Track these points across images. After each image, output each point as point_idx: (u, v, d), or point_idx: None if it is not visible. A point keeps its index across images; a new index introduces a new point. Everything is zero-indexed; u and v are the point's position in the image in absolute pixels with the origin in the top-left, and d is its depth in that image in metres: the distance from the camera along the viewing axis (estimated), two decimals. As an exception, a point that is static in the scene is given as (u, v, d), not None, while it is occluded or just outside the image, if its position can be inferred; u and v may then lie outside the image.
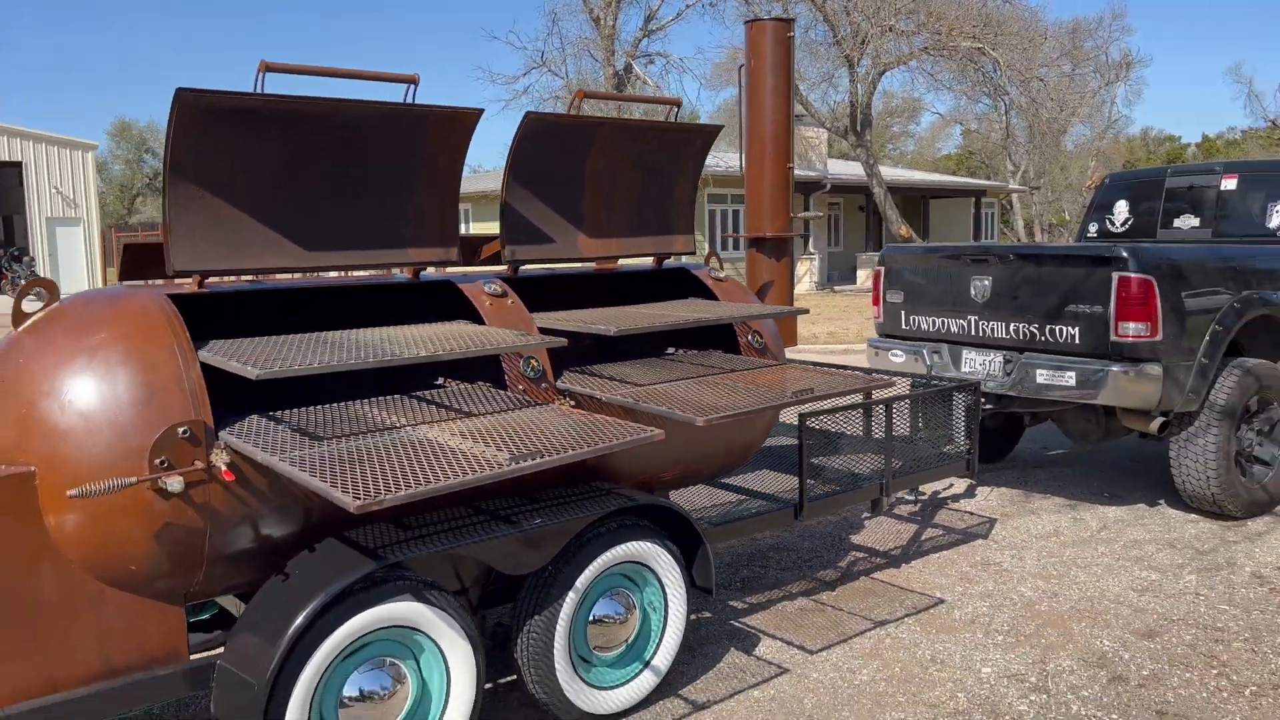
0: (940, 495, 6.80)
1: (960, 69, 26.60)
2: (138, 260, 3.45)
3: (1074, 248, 6.18)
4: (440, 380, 3.90)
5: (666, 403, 3.39)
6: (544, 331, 3.70)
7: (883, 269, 7.12)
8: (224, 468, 2.86)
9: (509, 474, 2.62)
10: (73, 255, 31.97)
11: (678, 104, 4.09)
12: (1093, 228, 8.26)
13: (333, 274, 3.75)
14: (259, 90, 3.01)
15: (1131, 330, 5.70)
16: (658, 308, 4.10)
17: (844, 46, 24.47)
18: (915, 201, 34.88)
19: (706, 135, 4.19)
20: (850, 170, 30.18)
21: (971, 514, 6.37)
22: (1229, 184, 7.37)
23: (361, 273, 3.74)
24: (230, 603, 3.69)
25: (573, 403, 3.69)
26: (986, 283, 6.39)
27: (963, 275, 6.53)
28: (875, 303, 7.19)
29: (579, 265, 4.50)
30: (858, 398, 5.18)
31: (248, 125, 3.05)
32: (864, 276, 28.93)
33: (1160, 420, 5.95)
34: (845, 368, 4.97)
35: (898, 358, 6.90)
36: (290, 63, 3.02)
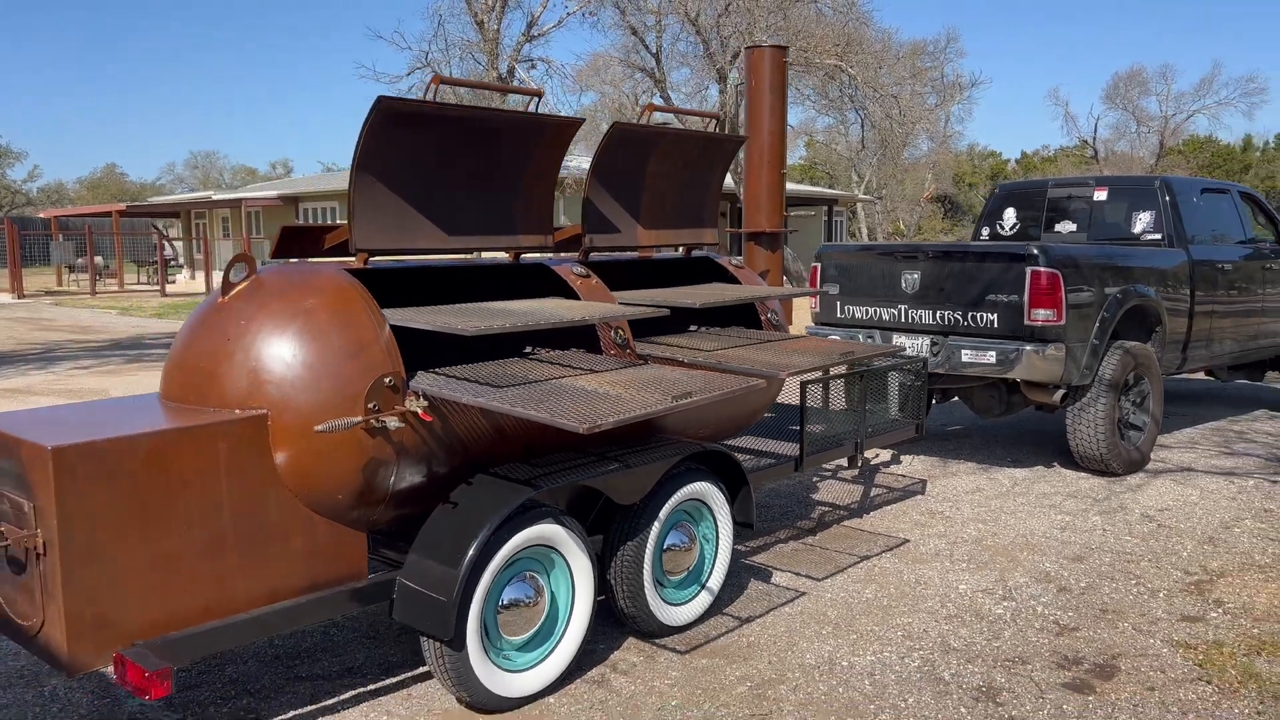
0: (874, 464, 7.79)
1: (822, 84, 28.32)
2: (289, 241, 3.95)
3: (993, 245, 7.26)
4: (528, 349, 4.53)
5: (744, 364, 4.15)
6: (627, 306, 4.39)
7: (819, 265, 8.07)
8: (420, 411, 3.44)
9: (675, 409, 3.32)
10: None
11: (717, 118, 4.85)
12: (985, 232, 9.47)
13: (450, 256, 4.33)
14: (434, 99, 3.59)
15: (1041, 316, 6.80)
16: (701, 288, 4.85)
17: (715, 60, 25.74)
18: (773, 208, 36.56)
19: (736, 143, 4.96)
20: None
21: (905, 476, 7.37)
22: (1100, 195, 8.68)
23: (461, 254, 4.32)
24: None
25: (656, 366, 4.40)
26: (916, 276, 7.40)
27: (894, 270, 7.53)
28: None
29: (625, 253, 5.19)
30: (840, 367, 6.05)
31: (421, 128, 3.63)
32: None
33: (1060, 393, 7.11)
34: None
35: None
36: (453, 76, 3.61)
